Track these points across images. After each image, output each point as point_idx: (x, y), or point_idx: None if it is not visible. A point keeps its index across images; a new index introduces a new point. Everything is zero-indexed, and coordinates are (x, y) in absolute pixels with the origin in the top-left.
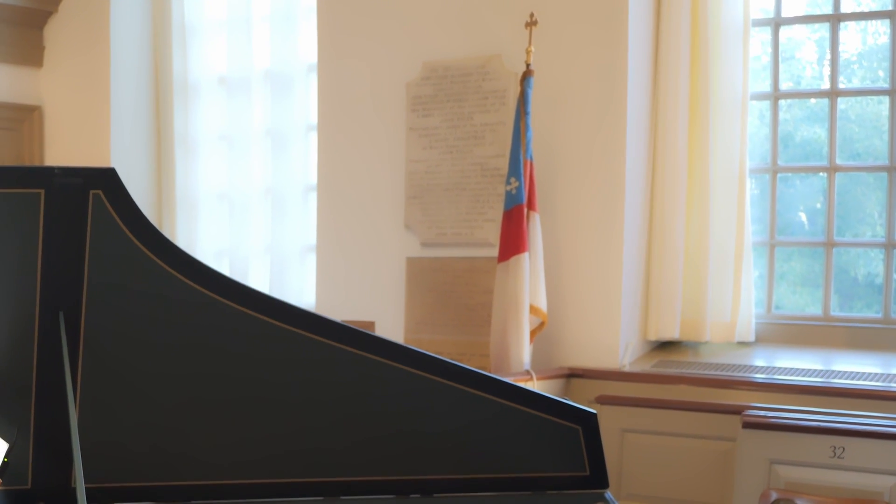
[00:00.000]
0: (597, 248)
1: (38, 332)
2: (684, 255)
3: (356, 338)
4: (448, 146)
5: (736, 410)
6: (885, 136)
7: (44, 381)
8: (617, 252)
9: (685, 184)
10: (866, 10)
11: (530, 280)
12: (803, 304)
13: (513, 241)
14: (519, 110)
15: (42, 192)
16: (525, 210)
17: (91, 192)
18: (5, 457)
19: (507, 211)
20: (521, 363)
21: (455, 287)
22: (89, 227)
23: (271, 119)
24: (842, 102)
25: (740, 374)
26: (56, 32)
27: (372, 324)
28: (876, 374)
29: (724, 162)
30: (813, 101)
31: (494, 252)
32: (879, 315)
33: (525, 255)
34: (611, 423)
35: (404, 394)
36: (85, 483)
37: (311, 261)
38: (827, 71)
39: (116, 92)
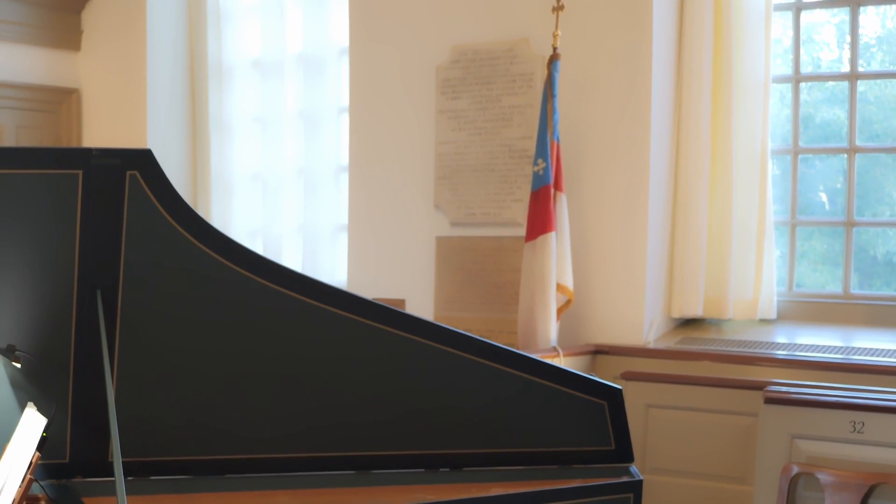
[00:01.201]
0: (622, 227)
1: (76, 310)
2: (707, 234)
3: (387, 315)
4: (477, 128)
5: (758, 386)
6: None
7: (81, 357)
8: (642, 231)
9: (708, 165)
10: None
11: (557, 259)
12: (824, 282)
13: (540, 221)
14: (546, 93)
15: (80, 172)
16: (552, 190)
17: (128, 172)
18: (44, 431)
19: (535, 191)
20: (548, 340)
21: (484, 266)
22: (126, 206)
23: (304, 101)
24: (861, 85)
25: (762, 350)
26: (94, 17)
27: (402, 301)
28: (895, 350)
29: (746, 143)
30: (833, 83)
31: (522, 231)
32: None
33: (552, 235)
34: (636, 399)
35: (434, 370)
36: (121, 457)
37: (343, 240)
38: (847, 54)
39: (153, 75)
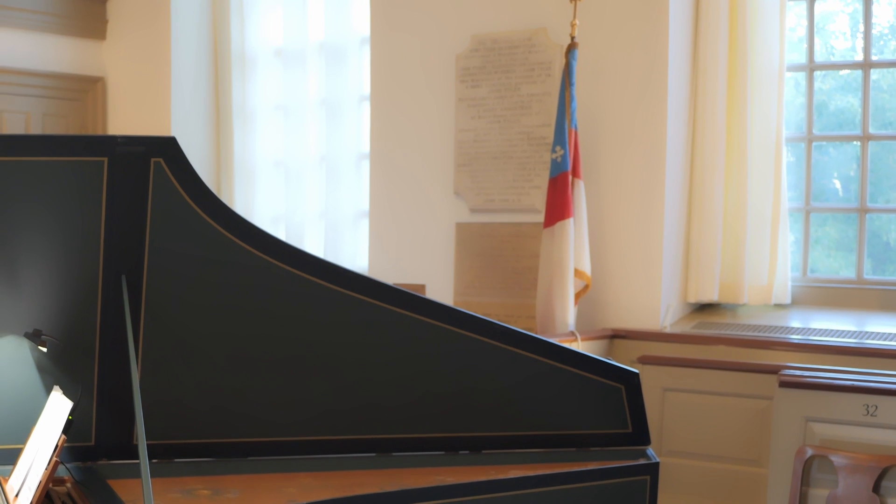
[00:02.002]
0: (639, 213)
1: (102, 295)
2: (723, 220)
3: (407, 300)
4: (496, 116)
5: (773, 370)
6: None
7: (107, 342)
8: (658, 218)
9: (724, 152)
10: None
11: (575, 245)
12: (837, 267)
13: (558, 208)
14: (564, 81)
15: (105, 160)
16: (570, 177)
17: (152, 160)
18: (70, 414)
19: (553, 178)
20: (566, 325)
21: (503, 251)
22: (151, 193)
23: (326, 90)
24: (874, 73)
25: (777, 335)
26: (119, 6)
27: (423, 286)
28: None
29: (761, 131)
30: (846, 72)
31: (540, 218)
32: None
33: (570, 221)
34: (652, 382)
35: (453, 354)
36: (146, 440)
37: (364, 226)
38: (860, 43)
39: (177, 64)
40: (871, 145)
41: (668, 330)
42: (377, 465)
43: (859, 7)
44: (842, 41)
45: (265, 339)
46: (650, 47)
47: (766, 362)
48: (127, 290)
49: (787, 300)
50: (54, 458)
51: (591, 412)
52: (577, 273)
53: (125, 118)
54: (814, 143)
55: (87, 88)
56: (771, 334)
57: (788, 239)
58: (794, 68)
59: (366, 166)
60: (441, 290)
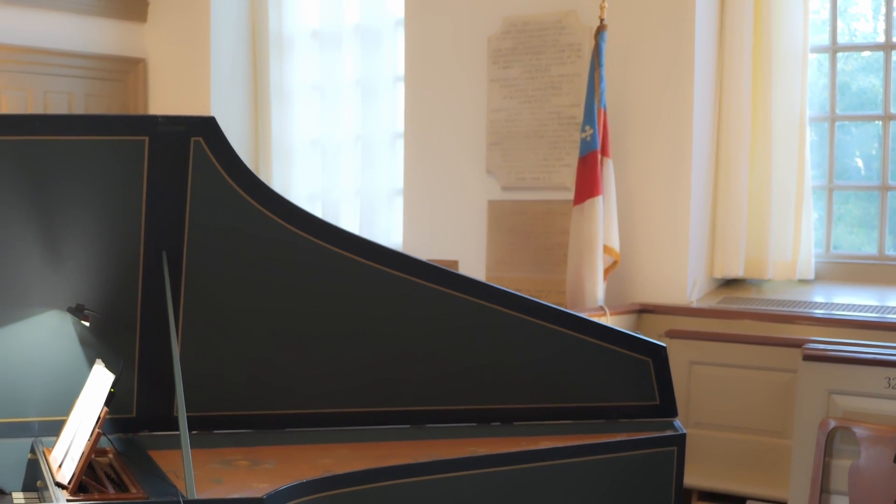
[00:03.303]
0: (666, 191)
1: (143, 271)
2: (748, 198)
3: (441, 275)
4: (527, 96)
5: (797, 344)
6: None
7: (147, 316)
8: (685, 195)
9: (749, 131)
10: None
11: (604, 222)
12: (860, 243)
13: (587, 185)
14: (593, 62)
15: (146, 139)
16: (599, 156)
17: (192, 139)
18: (112, 387)
19: (582, 157)
20: (595, 299)
21: (533, 228)
22: (190, 171)
23: (361, 70)
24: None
25: (801, 309)
26: None
27: (455, 262)
28: None
29: (785, 111)
30: (868, 53)
31: (570, 195)
32: None
33: (599, 199)
34: (679, 356)
35: (486, 328)
36: (186, 412)
37: (399, 204)
38: (882, 25)
39: (216, 45)
40: (893, 125)
41: (694, 305)
42: (411, 436)
43: None
44: (864, 23)
45: (302, 313)
46: (677, 30)
47: (790, 336)
48: (167, 266)
49: (811, 276)
50: (97, 430)
51: (619, 385)
52: (606, 249)
53: (166, 99)
54: (836, 123)
55: (129, 70)
56: (795, 309)
57: (812, 216)
58: (818, 50)
59: (400, 145)
60: (473, 266)
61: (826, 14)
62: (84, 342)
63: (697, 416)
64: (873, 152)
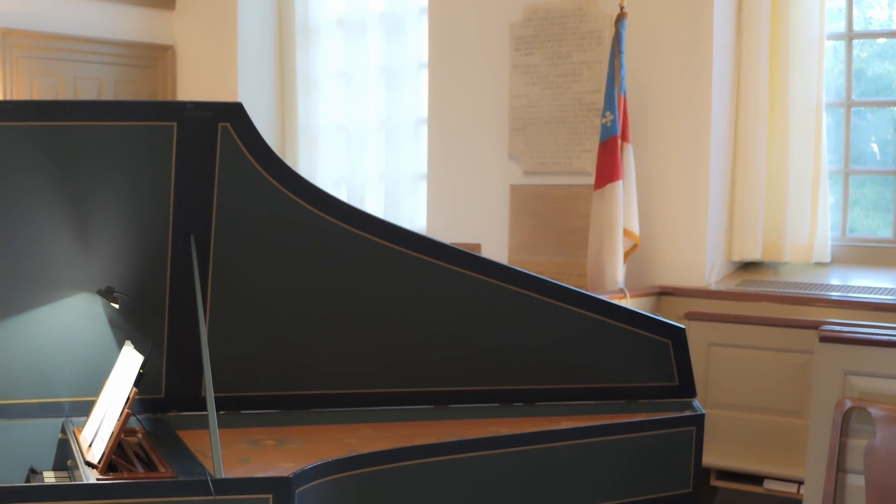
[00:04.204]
0: (685, 175)
1: (171, 254)
2: (766, 182)
3: (464, 259)
4: (548, 83)
5: (813, 326)
6: None
7: (176, 298)
8: (704, 179)
9: (766, 117)
10: None
11: (624, 206)
12: (875, 227)
13: (608, 170)
14: (613, 49)
15: (175, 124)
16: (619, 141)
17: (220, 124)
18: (141, 368)
19: (603, 142)
20: (615, 282)
21: (555, 212)
22: (218, 156)
23: (385, 57)
24: None
25: (817, 292)
26: None
27: (478, 246)
28: None
29: (802, 97)
30: (884, 40)
31: (591, 180)
32: None
33: (619, 183)
34: (698, 338)
35: (507, 310)
36: (214, 392)
37: (422, 188)
38: None
39: (243, 33)
40: None
41: (713, 287)
42: (434, 416)
43: None
44: (879, 11)
45: (327, 295)
46: (696, 17)
47: (806, 318)
48: (195, 249)
49: (827, 259)
50: (126, 410)
51: (639, 366)
52: (626, 233)
53: (194, 85)
54: (852, 109)
55: (158, 56)
56: (811, 291)
57: (828, 200)
58: (834, 37)
59: (424, 131)
60: (496, 250)
61: (842, 2)
62: (113, 324)
63: (716, 396)
64: (888, 137)
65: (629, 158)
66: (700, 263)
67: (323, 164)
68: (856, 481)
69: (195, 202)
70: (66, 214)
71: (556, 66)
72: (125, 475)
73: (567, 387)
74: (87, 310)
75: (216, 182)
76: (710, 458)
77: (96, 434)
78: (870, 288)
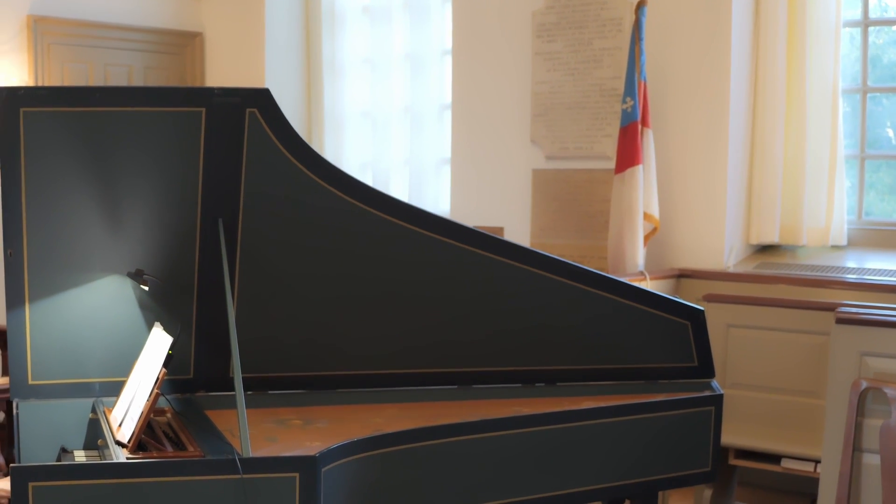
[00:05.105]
0: (704, 160)
1: (200, 238)
2: (783, 167)
3: (487, 242)
4: (570, 69)
5: (830, 307)
6: None
7: (204, 281)
8: (722, 164)
9: (784, 102)
10: None
11: (644, 190)
12: (891, 210)
13: (628, 155)
14: (634, 36)
15: (203, 110)
16: (639, 126)
17: (247, 110)
18: (170, 349)
19: (623, 127)
20: (635, 265)
21: (576, 196)
22: (246, 141)
23: (410, 44)
24: None
25: (834, 274)
26: None
27: (501, 229)
28: None
29: (818, 83)
30: None
31: (612, 164)
32: None
33: (639, 168)
34: (717, 319)
35: (530, 292)
36: (241, 373)
37: (446, 172)
38: None
39: (270, 20)
40: None
41: (731, 270)
42: (458, 396)
43: None
44: None
45: (353, 278)
46: (715, 4)
47: (823, 300)
48: (223, 233)
49: (844, 242)
50: (155, 391)
51: (659, 347)
52: (646, 216)
53: (222, 71)
54: (868, 95)
55: (186, 43)
56: (828, 274)
57: (844, 184)
58: (850, 24)
59: (448, 116)
60: (518, 233)
61: None
62: (143, 306)
63: (734, 377)
64: None
65: (649, 143)
66: (719, 246)
67: (348, 149)
68: (871, 460)
69: (223, 186)
70: (97, 198)
71: (577, 52)
72: (154, 454)
73: (588, 367)
74: (118, 292)
75: (244, 167)
76: (729, 438)
77: (126, 414)
78: (885, 270)
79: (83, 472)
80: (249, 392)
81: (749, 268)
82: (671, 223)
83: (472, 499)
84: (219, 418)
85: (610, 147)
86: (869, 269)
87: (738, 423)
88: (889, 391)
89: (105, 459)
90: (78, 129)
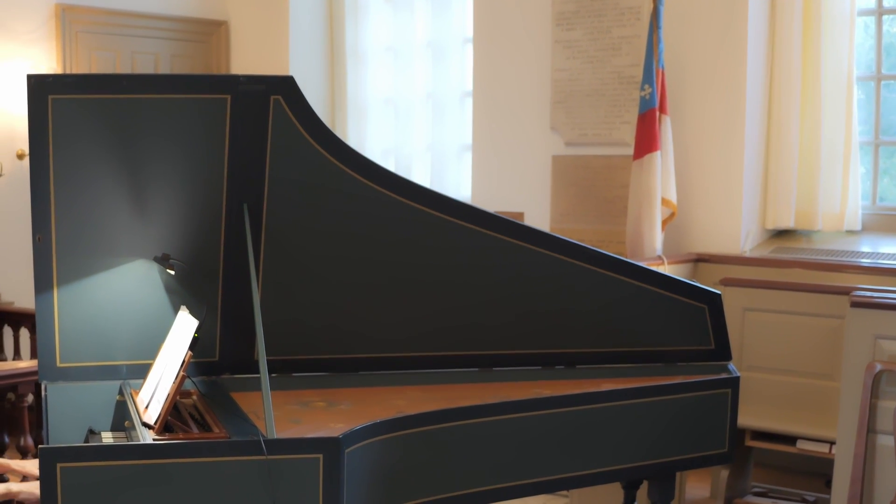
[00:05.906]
0: (721, 146)
1: (225, 223)
2: (799, 153)
3: (508, 227)
4: (589, 57)
5: (844, 291)
6: None
7: (229, 265)
8: (739, 150)
9: (799, 90)
10: None
11: (662, 175)
12: None
13: (646, 141)
14: (652, 25)
15: (228, 97)
16: (657, 113)
17: (272, 97)
18: (196, 333)
19: (642, 114)
20: (653, 249)
21: (595, 182)
22: (270, 128)
23: (432, 32)
24: None
25: (848, 259)
26: None
27: (521, 214)
28: None
29: (833, 70)
30: None
31: (630, 151)
32: None
33: (657, 154)
34: (733, 303)
35: (551, 276)
36: (266, 356)
37: (467, 159)
38: None
39: (294, 8)
40: None
41: (748, 254)
42: (479, 379)
43: None
44: None
45: (376, 262)
46: None
47: (838, 284)
48: (248, 218)
49: (858, 227)
50: (181, 373)
51: (676, 330)
52: (664, 202)
53: (247, 59)
54: (882, 82)
55: (212, 31)
56: (843, 258)
57: (859, 170)
58: (865, 13)
59: (469, 103)
60: (538, 218)
61: None
62: (169, 290)
63: (750, 359)
64: None
65: (667, 130)
66: (735, 231)
67: (371, 136)
68: (886, 441)
69: (248, 172)
70: (124, 184)
71: (596, 40)
72: (180, 435)
73: (607, 350)
74: (144, 276)
75: (268, 153)
76: (745, 419)
77: (153, 396)
78: None
79: (110, 453)
80: (274, 374)
81: (765, 252)
82: (688, 208)
83: (493, 479)
84: (244, 400)
85: (628, 133)
86: (883, 254)
87: (754, 405)
88: None
89: (132, 441)
90: (105, 116)
